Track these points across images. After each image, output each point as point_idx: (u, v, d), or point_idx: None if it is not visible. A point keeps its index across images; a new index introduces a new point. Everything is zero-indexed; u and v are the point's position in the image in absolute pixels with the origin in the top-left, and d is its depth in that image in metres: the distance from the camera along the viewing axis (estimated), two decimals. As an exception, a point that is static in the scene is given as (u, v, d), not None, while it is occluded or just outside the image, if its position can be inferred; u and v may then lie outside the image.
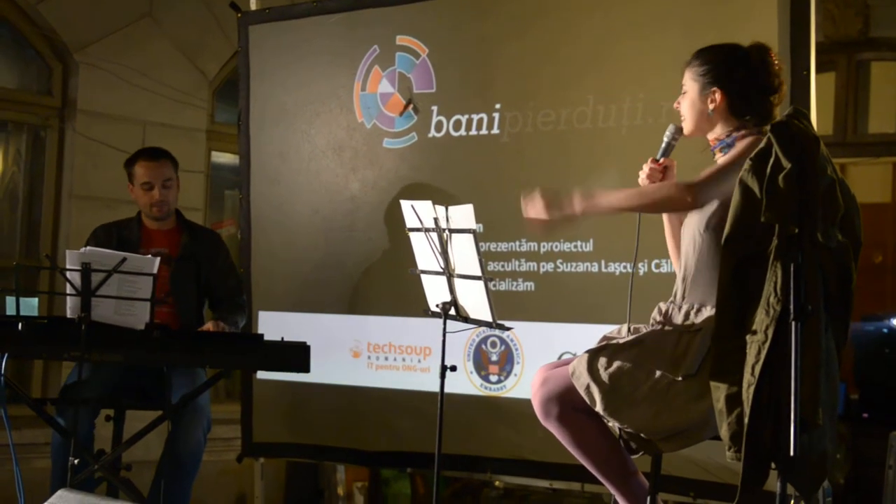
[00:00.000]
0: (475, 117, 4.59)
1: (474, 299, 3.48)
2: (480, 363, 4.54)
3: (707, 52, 3.21)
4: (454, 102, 4.65)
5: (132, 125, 6.06)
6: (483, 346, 4.53)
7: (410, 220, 3.64)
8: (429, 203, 3.52)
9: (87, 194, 5.92)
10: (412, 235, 3.68)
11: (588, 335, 3.85)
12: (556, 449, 3.46)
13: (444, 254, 3.52)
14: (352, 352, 4.85)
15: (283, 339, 4.03)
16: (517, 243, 4.47)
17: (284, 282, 5.08)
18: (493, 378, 4.51)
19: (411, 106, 4.73)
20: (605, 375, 3.07)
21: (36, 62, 6.03)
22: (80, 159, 5.94)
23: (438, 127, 4.68)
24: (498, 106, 4.52)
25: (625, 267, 4.22)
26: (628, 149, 4.19)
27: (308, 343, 3.99)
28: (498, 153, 4.53)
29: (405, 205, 3.63)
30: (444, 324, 3.61)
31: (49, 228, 5.97)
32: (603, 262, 4.27)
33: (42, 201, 5.98)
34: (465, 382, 4.50)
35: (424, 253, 3.62)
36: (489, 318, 3.44)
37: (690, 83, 3.21)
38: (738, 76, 3.13)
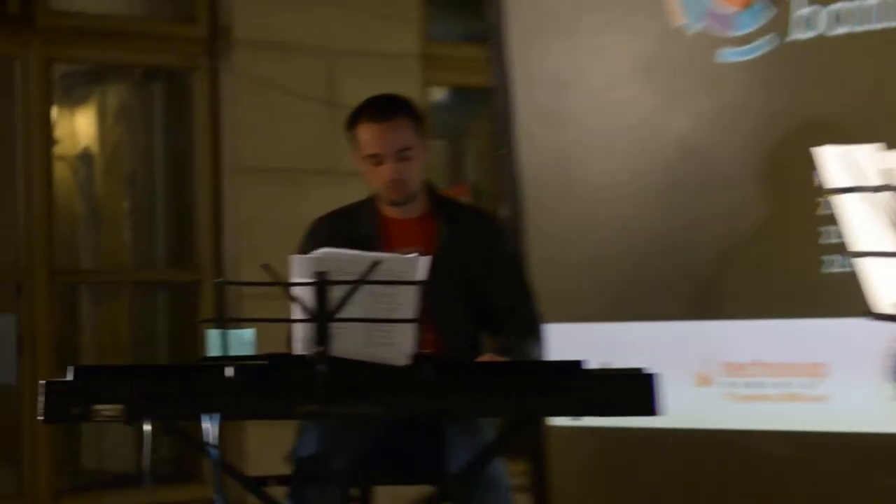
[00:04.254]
0: (870, 3, 4.48)
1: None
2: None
3: None
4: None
5: (312, 58, 6.07)
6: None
7: (835, 176, 3.60)
8: (870, 148, 3.46)
9: (258, 165, 5.94)
10: (840, 200, 3.63)
11: None
12: None
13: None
14: (696, 376, 4.85)
15: (609, 365, 3.98)
16: None
17: (575, 278, 5.12)
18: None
19: (762, -8, 4.68)
20: None
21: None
22: (244, 112, 5.96)
23: (811, 22, 4.59)
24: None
25: None
26: None
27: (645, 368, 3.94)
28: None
29: (828, 152, 3.60)
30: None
31: (208, 220, 6.03)
32: None
33: (193, 182, 6.04)
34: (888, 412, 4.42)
35: (866, 225, 3.56)
36: None
37: None
38: None
